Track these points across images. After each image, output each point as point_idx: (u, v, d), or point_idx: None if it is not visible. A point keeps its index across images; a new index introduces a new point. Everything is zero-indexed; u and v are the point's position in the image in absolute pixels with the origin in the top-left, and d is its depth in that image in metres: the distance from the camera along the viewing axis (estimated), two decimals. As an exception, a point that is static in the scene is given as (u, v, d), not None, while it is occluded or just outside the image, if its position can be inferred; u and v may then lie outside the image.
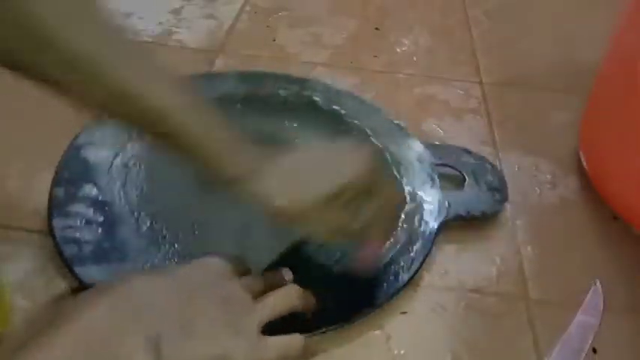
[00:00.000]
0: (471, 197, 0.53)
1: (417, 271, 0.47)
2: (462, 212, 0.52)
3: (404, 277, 0.46)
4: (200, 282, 0.36)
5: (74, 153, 0.54)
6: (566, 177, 0.60)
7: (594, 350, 0.45)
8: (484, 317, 0.47)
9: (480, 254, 0.52)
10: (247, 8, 0.82)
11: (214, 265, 0.38)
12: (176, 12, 0.80)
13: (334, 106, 0.62)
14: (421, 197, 0.53)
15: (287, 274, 0.42)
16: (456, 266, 0.50)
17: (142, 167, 0.54)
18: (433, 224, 0.50)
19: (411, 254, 0.48)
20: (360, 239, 0.43)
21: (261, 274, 0.43)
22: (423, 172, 0.55)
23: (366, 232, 0.42)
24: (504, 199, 0.54)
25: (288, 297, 0.39)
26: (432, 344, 0.45)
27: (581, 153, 0.61)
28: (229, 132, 0.39)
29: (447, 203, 0.52)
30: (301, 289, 0.40)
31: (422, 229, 0.50)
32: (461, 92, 0.71)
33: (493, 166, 0.57)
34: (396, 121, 0.60)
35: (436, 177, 0.54)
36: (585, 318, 0.47)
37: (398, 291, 0.46)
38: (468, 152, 0.58)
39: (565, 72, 0.75)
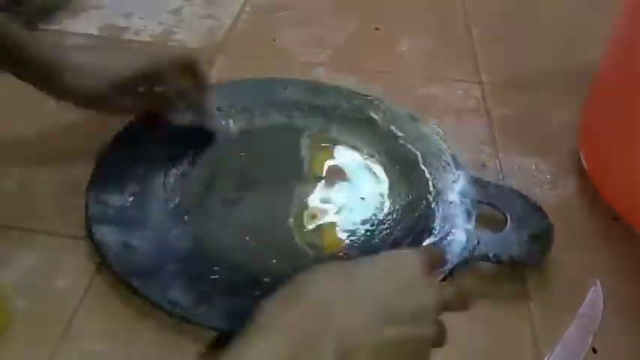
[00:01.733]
0: (507, 241, 0.50)
1: None
2: (490, 254, 0.49)
3: None
4: (392, 292, 0.35)
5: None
6: (566, 177, 0.60)
7: (594, 350, 0.45)
8: (484, 317, 0.47)
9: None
10: (247, 8, 0.82)
11: (407, 265, 0.37)
12: (176, 12, 0.80)
13: (392, 127, 0.62)
14: (449, 231, 0.51)
15: None
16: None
17: (199, 157, 0.57)
18: (452, 259, 0.48)
19: None
20: None
21: None
22: (462, 206, 0.53)
23: None
24: (543, 251, 0.50)
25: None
26: (432, 344, 0.45)
27: (581, 153, 0.61)
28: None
29: (476, 241, 0.50)
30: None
31: None
32: (461, 92, 0.71)
33: (545, 217, 0.53)
34: (450, 151, 0.59)
35: (474, 214, 0.52)
36: (585, 318, 0.47)
37: None
38: (522, 196, 0.54)
39: (565, 72, 0.75)
